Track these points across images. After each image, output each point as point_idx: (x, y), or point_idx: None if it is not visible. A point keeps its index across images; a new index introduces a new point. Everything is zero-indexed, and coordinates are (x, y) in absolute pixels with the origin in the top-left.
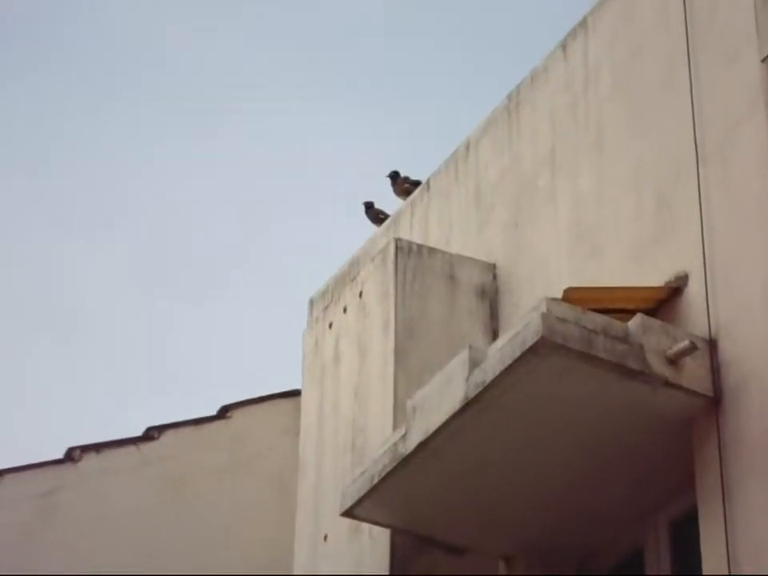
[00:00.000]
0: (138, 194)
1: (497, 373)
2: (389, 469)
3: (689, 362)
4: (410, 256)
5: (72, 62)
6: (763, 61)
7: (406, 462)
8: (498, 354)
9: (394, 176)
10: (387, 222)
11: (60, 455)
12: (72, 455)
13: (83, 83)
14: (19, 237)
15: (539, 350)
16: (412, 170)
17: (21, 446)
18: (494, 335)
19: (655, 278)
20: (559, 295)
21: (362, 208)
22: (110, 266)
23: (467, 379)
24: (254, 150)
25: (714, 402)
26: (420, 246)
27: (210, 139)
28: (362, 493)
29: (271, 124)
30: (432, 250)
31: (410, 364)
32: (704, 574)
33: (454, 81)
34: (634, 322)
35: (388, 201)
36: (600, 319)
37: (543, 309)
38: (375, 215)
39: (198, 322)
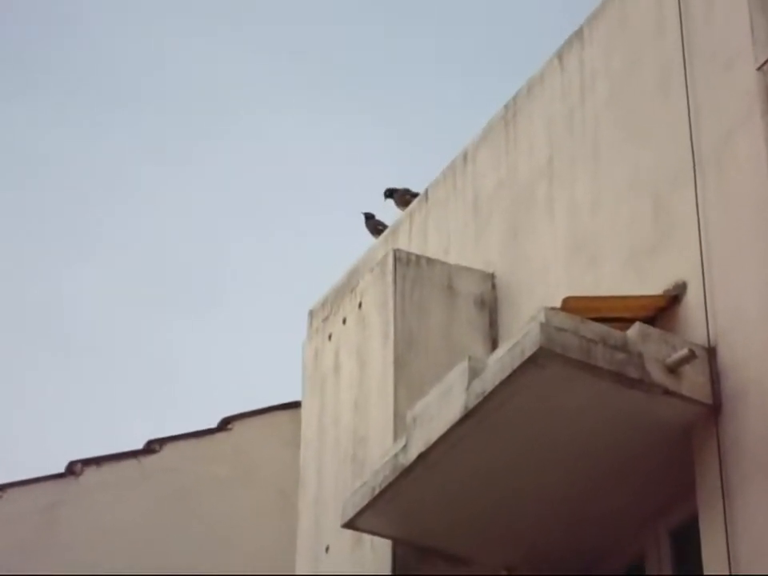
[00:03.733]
0: (136, 208)
1: (496, 383)
2: (390, 480)
3: (688, 370)
4: (408, 267)
5: (69, 76)
6: (759, 68)
7: (406, 472)
8: (498, 364)
9: (390, 193)
10: (386, 232)
11: (61, 469)
12: (73, 469)
13: (80, 97)
14: (18, 251)
15: (538, 359)
16: (410, 179)
17: (22, 461)
18: (494, 345)
19: (653, 286)
20: (558, 304)
21: (362, 218)
22: (110, 279)
23: (467, 389)
24: (252, 161)
25: (714, 410)
26: (419, 257)
27: (209, 150)
28: (363, 504)
29: (270, 134)
30: (431, 261)
31: (410, 375)
32: None
33: (451, 90)
34: (633, 331)
35: (388, 210)
36: (599, 328)
37: (542, 318)
38: (374, 226)
39: (198, 334)
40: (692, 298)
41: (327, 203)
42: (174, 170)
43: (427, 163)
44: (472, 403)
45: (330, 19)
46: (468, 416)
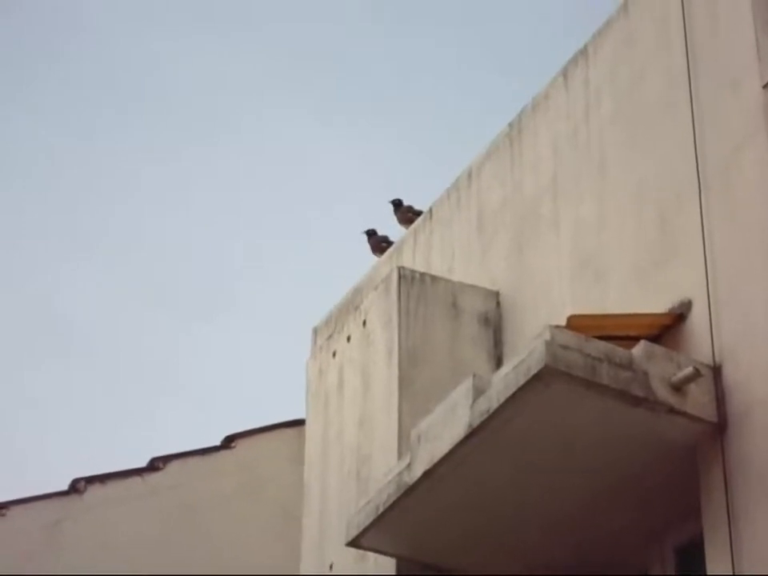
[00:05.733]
0: (138, 210)
1: (501, 401)
2: (394, 498)
3: (693, 388)
4: (413, 284)
5: (70, 76)
6: (764, 86)
7: (411, 491)
8: (502, 382)
9: (398, 204)
10: (390, 250)
11: (65, 486)
12: (77, 486)
13: (82, 97)
14: (19, 253)
15: (543, 377)
16: (414, 196)
17: (26, 478)
18: (498, 362)
19: (658, 303)
20: (563, 322)
21: (365, 236)
22: (112, 287)
23: (471, 407)
24: (258, 164)
25: (719, 428)
26: (423, 275)
27: (214, 152)
28: (368, 522)
29: (279, 136)
30: (435, 278)
31: (414, 392)
32: None
33: (456, 107)
34: (638, 349)
35: (392, 226)
36: (604, 346)
37: (547, 336)
38: (377, 243)
39: (202, 351)
40: (697, 316)
41: (333, 220)
42: (177, 173)
43: (431, 181)
44: (477, 421)
45: (337, 20)
46: (473, 434)
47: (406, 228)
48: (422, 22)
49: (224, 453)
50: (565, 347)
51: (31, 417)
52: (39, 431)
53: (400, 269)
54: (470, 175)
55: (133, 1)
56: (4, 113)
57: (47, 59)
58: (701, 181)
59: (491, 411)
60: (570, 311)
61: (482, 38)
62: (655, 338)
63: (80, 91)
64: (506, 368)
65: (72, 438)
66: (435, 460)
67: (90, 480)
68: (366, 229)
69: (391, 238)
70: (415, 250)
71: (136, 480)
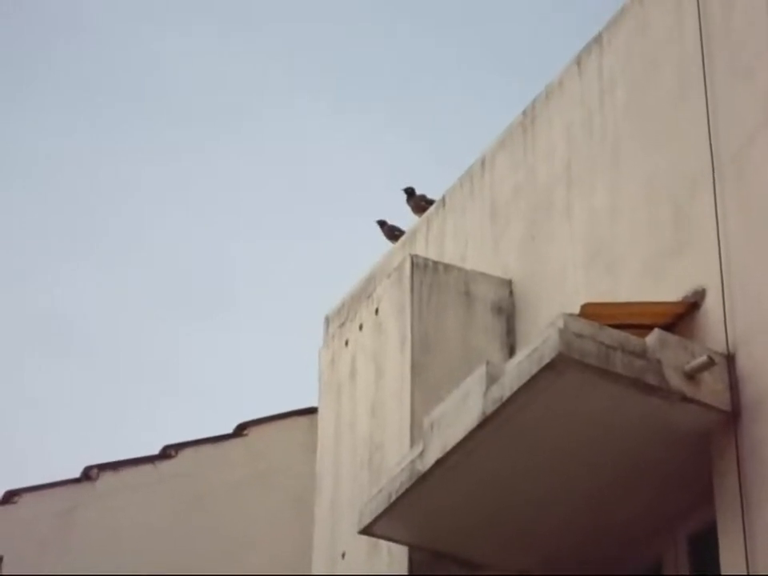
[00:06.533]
0: (145, 209)
1: (514, 389)
2: (406, 486)
3: (706, 376)
4: (425, 272)
5: (68, 79)
6: None
7: (423, 479)
8: (516, 370)
9: (410, 192)
10: (403, 238)
11: (77, 474)
12: (89, 474)
13: (81, 98)
14: (20, 253)
15: (557, 365)
16: (427, 185)
17: (38, 465)
18: (511, 351)
19: (672, 292)
20: (576, 311)
21: (378, 226)
22: (122, 283)
23: (485, 395)
24: (265, 162)
25: (732, 417)
26: (436, 263)
27: (215, 152)
28: (380, 510)
29: (280, 136)
30: (448, 267)
31: (427, 381)
32: None
33: (468, 95)
34: (652, 338)
35: (404, 215)
36: (617, 335)
37: (560, 324)
38: (390, 232)
39: (214, 339)
40: (711, 305)
41: (346, 207)
42: (177, 173)
43: (445, 168)
44: (490, 409)
45: (337, 20)
46: (486, 422)
47: (419, 216)
48: (422, 22)
49: (236, 441)
50: (578, 335)
51: (31, 417)
52: (39, 432)
53: (413, 257)
54: (483, 163)
55: (133, 1)
56: (4, 113)
57: (47, 59)
58: (714, 169)
59: (504, 399)
60: (583, 300)
61: (482, 38)
62: (669, 327)
63: (80, 91)
64: (519, 356)
65: (72, 439)
66: (448, 448)
67: (103, 467)
68: (378, 219)
69: (402, 228)
70: (428, 238)
71: (148, 467)
